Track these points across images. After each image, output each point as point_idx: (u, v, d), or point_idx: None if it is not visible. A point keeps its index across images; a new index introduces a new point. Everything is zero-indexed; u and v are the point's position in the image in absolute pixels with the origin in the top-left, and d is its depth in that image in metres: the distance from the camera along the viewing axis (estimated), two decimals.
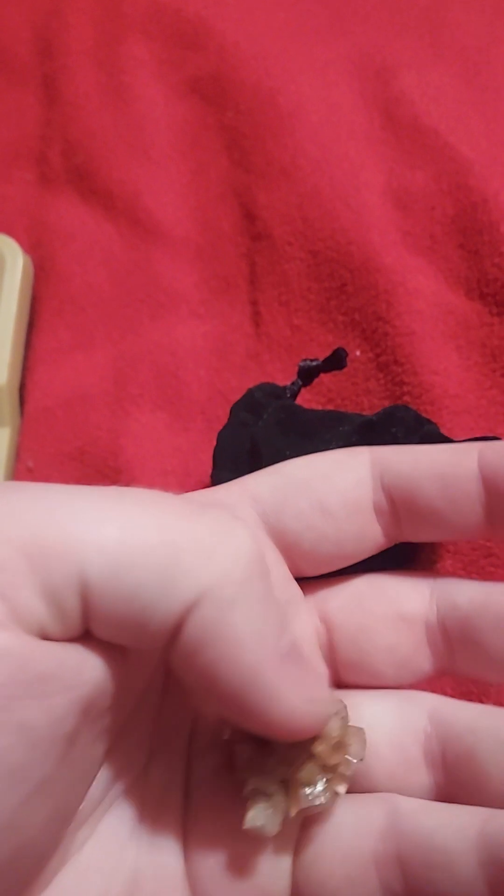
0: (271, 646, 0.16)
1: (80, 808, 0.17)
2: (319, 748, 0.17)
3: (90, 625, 0.15)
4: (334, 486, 0.20)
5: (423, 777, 0.19)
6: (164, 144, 0.37)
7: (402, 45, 0.36)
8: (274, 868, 0.18)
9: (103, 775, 0.17)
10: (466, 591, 0.20)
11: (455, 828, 0.17)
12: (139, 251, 0.35)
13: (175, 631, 0.15)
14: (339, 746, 0.18)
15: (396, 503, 0.20)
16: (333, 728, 0.18)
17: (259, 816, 0.17)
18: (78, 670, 0.15)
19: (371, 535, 0.20)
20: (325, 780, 0.18)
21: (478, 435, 0.28)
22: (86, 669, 0.15)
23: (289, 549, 0.20)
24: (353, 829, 0.18)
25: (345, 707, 0.18)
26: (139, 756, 0.18)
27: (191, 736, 0.19)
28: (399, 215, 0.32)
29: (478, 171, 0.31)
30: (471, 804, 0.18)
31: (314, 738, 0.17)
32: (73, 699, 0.15)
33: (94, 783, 0.17)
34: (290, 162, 0.34)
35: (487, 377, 0.29)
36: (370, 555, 0.20)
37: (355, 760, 0.18)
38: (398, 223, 0.32)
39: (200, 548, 0.15)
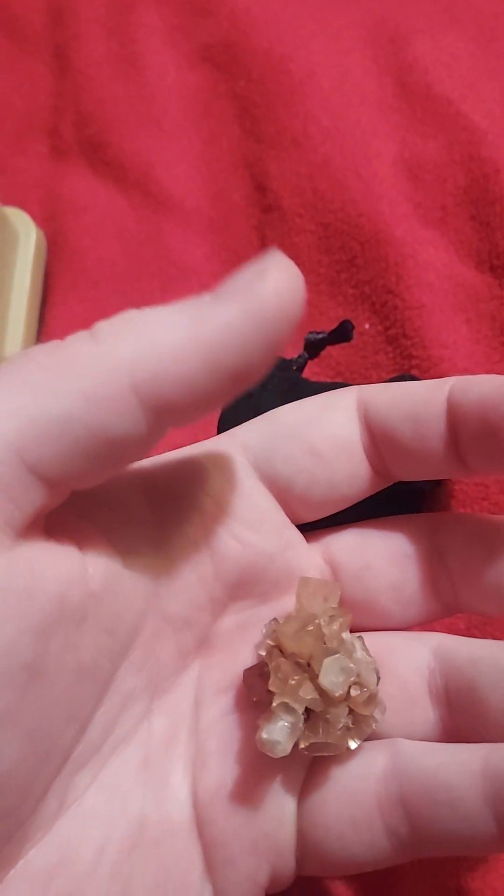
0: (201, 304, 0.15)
1: (77, 752, 0.17)
2: (356, 693, 0.18)
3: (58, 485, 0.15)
4: (322, 428, 0.20)
5: (427, 713, 0.19)
6: (176, 114, 0.37)
7: (416, 9, 0.35)
8: (280, 813, 0.18)
9: (99, 720, 0.17)
10: (468, 525, 0.20)
11: (457, 765, 0.17)
12: (151, 224, 0.35)
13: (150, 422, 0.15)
14: (371, 701, 0.18)
15: (378, 442, 0.20)
16: (372, 682, 0.18)
17: (278, 732, 0.17)
18: (27, 591, 0.15)
19: (364, 475, 0.20)
20: (346, 727, 0.18)
21: None
22: (38, 588, 0.15)
23: (283, 495, 0.20)
24: (356, 774, 0.18)
25: (378, 671, 0.19)
26: (139, 702, 0.18)
27: (198, 680, 0.19)
28: (410, 186, 0.32)
29: (491, 140, 0.31)
30: (474, 737, 0.18)
31: (354, 683, 0.18)
32: (21, 628, 0.15)
33: (90, 727, 0.17)
34: (302, 131, 0.34)
35: (497, 350, 0.29)
36: (367, 495, 0.20)
37: (376, 722, 0.18)
38: (409, 194, 0.32)
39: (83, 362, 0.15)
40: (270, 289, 0.15)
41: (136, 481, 0.19)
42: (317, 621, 0.18)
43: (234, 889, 0.18)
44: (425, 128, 0.32)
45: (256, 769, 0.19)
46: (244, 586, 0.20)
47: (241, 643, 0.20)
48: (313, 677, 0.18)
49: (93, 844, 0.17)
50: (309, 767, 0.19)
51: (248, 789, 0.18)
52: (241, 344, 0.15)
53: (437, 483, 0.25)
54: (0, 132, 0.39)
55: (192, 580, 0.19)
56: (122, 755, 0.18)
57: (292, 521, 0.20)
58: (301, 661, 0.18)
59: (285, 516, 0.20)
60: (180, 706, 0.19)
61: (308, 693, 0.18)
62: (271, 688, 0.18)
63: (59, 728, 0.16)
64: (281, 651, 0.18)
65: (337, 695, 0.18)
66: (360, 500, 0.20)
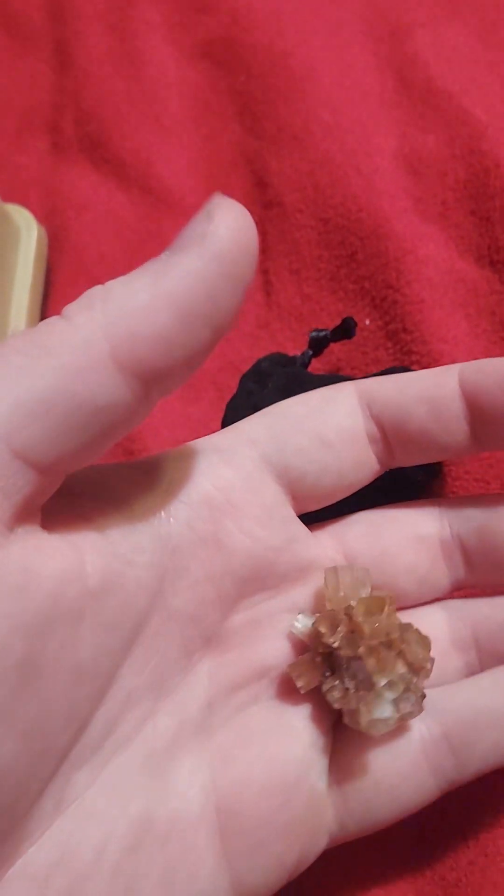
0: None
1: (76, 751, 0.17)
2: (429, 665, 0.19)
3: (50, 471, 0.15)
4: (328, 419, 0.20)
5: (454, 662, 0.21)
6: (176, 111, 0.37)
7: (416, 2, 0.35)
8: (312, 793, 0.19)
9: (100, 719, 0.17)
10: (476, 503, 0.21)
11: (489, 688, 0.19)
12: (151, 220, 0.35)
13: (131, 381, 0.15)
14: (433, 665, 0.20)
15: (387, 430, 0.20)
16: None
17: (383, 710, 0.19)
18: (18, 590, 0.15)
19: (367, 463, 0.21)
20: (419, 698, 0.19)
21: None
22: (31, 586, 0.15)
23: (293, 486, 0.20)
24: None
25: None
26: (143, 701, 0.18)
27: (209, 678, 0.19)
28: (411, 181, 0.32)
29: (491, 134, 0.31)
30: None
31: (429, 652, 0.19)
32: (13, 626, 0.15)
33: (90, 726, 0.17)
34: (302, 127, 0.34)
35: (497, 345, 0.29)
36: (367, 483, 0.21)
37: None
38: (410, 189, 0.32)
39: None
40: (220, 227, 0.15)
41: (142, 477, 0.19)
42: (388, 604, 0.19)
43: (261, 873, 0.18)
44: (426, 122, 0.32)
45: (282, 756, 0.19)
46: (254, 581, 0.20)
47: (255, 639, 0.20)
48: (399, 654, 0.19)
49: (93, 843, 0.17)
50: (334, 742, 0.20)
51: (276, 776, 0.19)
52: (207, 287, 0.15)
53: (433, 475, 0.26)
54: (1, 129, 0.40)
55: (200, 576, 0.19)
56: (124, 754, 0.18)
57: (297, 512, 0.21)
58: (383, 640, 0.19)
59: (290, 510, 0.21)
60: (187, 704, 0.19)
61: (401, 668, 0.19)
62: (371, 671, 0.19)
63: (57, 727, 0.16)
64: (357, 636, 0.19)
65: (422, 665, 0.19)
66: (360, 488, 0.21)
